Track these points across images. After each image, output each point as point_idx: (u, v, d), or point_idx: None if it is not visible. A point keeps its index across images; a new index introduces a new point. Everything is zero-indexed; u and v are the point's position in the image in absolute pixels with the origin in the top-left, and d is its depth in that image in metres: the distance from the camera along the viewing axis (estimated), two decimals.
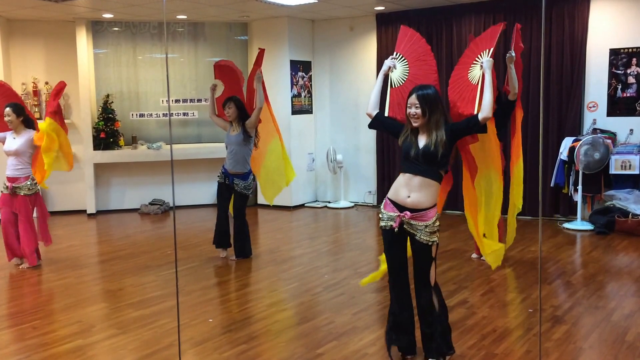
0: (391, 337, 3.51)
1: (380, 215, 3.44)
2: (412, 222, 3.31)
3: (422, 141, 3.32)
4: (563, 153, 6.97)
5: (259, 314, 4.39)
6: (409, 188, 3.32)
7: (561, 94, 7.22)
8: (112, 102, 8.47)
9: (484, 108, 3.29)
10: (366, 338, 3.85)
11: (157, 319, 4.29)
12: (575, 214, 7.00)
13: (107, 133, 8.37)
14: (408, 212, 3.31)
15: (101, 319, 4.34)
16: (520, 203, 5.66)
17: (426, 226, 3.29)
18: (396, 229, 3.32)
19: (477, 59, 3.47)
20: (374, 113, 3.59)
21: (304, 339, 3.88)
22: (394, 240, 3.39)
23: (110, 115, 8.39)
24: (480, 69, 3.37)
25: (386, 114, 3.61)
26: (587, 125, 7.13)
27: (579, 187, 6.84)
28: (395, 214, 3.33)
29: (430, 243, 3.31)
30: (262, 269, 5.64)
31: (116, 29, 8.62)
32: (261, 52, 5.95)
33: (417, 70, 3.57)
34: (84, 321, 4.26)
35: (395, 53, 3.69)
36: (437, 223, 3.34)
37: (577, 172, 6.85)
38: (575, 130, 7.13)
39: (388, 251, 3.45)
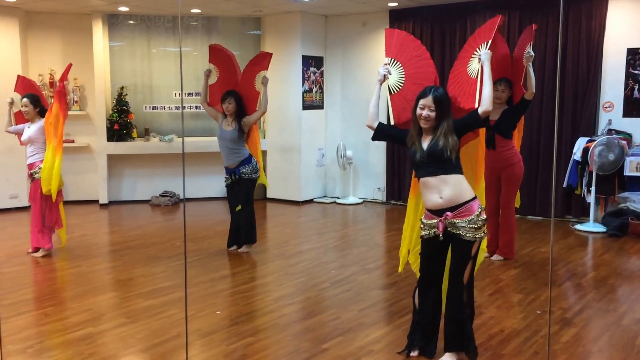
0: (413, 341, 3.49)
1: (421, 227, 3.35)
2: (455, 221, 3.19)
3: (425, 143, 3.28)
4: (577, 153, 6.90)
5: (266, 308, 4.41)
6: (435, 190, 3.22)
7: (576, 94, 7.14)
8: (127, 94, 8.52)
9: (484, 101, 3.18)
10: (372, 334, 3.85)
11: (165, 309, 4.32)
12: (588, 216, 6.93)
13: (120, 125, 8.43)
14: (449, 213, 3.19)
15: (111, 307, 4.38)
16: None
17: (470, 221, 3.16)
18: (441, 235, 3.21)
19: (475, 52, 3.33)
20: (375, 124, 3.50)
21: (309, 334, 3.89)
22: (436, 249, 3.29)
23: (124, 107, 8.45)
24: (478, 62, 3.26)
25: (392, 123, 3.54)
26: (602, 125, 7.05)
27: (592, 189, 6.78)
28: (436, 220, 3.23)
29: (474, 239, 3.18)
30: (269, 263, 5.65)
31: (132, 22, 8.67)
32: (268, 56, 5.94)
33: (413, 69, 3.48)
34: (95, 309, 4.31)
35: (387, 59, 3.57)
36: (483, 216, 3.20)
37: (590, 173, 6.78)
38: (590, 130, 7.06)
39: (428, 260, 3.34)
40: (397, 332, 3.85)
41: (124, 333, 3.87)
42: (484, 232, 3.21)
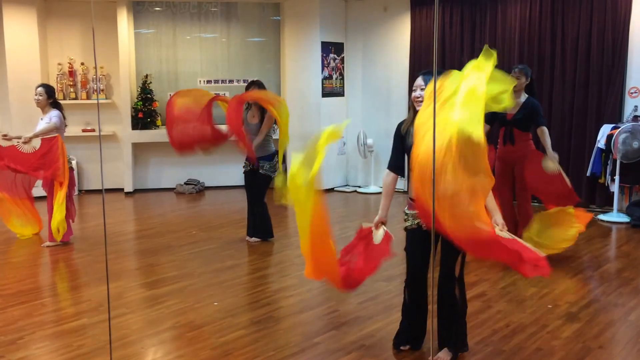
0: (401, 339, 3.46)
1: (404, 217, 3.29)
2: None
3: None
4: (600, 141, 6.63)
5: (265, 299, 4.39)
6: None
7: (601, 79, 6.83)
8: (151, 82, 8.58)
9: None
10: (367, 329, 3.79)
11: (167, 299, 4.33)
12: (612, 205, 6.66)
13: (145, 113, 8.51)
14: None
15: (111, 298, 4.35)
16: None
17: None
18: (424, 226, 3.16)
19: None
20: (397, 176, 3.42)
21: (303, 327, 3.85)
22: (420, 240, 3.22)
23: (148, 96, 8.52)
24: None
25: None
26: (627, 112, 6.74)
27: (616, 177, 6.50)
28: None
29: None
30: (277, 253, 5.63)
31: (158, 9, 8.70)
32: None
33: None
34: (94, 300, 4.33)
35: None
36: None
37: (614, 161, 6.51)
38: (615, 117, 6.75)
39: (412, 251, 3.29)
40: (393, 327, 3.74)
41: (119, 324, 3.87)
42: None
